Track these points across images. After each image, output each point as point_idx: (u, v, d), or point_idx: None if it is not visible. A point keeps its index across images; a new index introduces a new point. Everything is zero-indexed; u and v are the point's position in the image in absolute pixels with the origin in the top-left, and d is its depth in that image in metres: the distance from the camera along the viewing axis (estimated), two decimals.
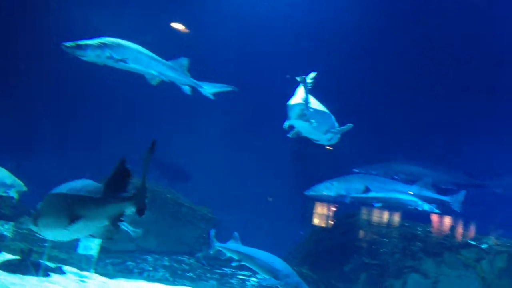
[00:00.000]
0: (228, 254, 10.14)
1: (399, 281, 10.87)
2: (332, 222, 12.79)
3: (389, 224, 11.70)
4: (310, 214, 13.23)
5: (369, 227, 11.75)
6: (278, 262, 9.42)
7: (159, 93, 10.29)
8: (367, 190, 11.45)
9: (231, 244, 9.94)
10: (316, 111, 8.53)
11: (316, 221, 13.14)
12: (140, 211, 4.62)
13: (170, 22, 13.23)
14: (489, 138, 12.95)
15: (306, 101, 8.18)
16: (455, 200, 11.38)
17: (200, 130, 14.02)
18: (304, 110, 8.21)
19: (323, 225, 12.93)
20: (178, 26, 13.31)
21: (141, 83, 9.49)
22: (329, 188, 11.67)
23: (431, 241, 11.08)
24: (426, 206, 11.33)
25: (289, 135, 8.67)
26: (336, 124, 9.12)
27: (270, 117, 9.50)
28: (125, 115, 13.64)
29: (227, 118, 13.55)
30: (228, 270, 11.44)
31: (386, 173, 12.25)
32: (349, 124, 8.80)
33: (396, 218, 11.75)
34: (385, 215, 11.83)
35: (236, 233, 9.92)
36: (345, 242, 11.78)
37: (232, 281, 11.38)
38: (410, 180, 12.12)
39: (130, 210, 4.66)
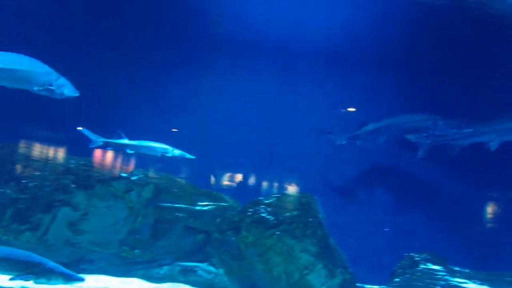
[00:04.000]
0: None
1: (48, 215, 10.51)
2: None
3: (42, 157, 11.16)
4: None
5: (19, 160, 10.99)
6: (23, 254, 8.68)
7: None
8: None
9: None
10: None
11: None
12: None
13: None
14: None
15: None
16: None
17: None
18: None
19: None
20: None
21: None
22: None
23: (84, 174, 11.01)
24: (178, 152, 11.95)
25: None
26: (61, 81, 9.46)
27: None
28: None
29: None
30: None
31: None
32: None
33: (51, 152, 11.29)
34: (42, 149, 11.25)
35: None
36: None
37: None
38: None
39: None
